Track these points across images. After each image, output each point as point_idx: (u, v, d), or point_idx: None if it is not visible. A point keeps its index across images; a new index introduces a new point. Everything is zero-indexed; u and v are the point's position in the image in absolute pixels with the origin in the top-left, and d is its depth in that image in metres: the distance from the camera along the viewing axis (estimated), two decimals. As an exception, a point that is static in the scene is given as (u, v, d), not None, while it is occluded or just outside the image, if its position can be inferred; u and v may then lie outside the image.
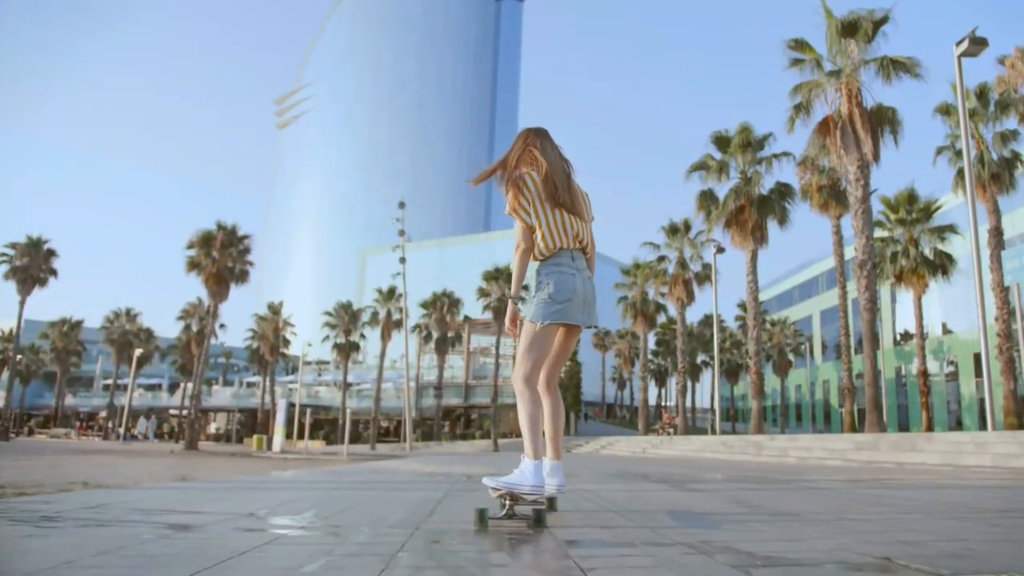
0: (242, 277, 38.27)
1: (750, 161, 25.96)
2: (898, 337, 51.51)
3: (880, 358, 50.37)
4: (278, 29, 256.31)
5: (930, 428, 30.11)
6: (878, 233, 31.35)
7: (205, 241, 37.47)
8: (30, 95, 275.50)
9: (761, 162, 26.04)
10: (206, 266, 37.23)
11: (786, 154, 25.94)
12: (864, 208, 17.96)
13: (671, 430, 33.13)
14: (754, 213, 24.75)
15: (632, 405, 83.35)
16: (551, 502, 3.34)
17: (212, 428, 70.41)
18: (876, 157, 17.94)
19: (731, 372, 70.24)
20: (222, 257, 37.67)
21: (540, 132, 3.26)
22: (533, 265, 3.14)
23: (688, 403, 74.42)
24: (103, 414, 65.15)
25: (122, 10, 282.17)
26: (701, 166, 26.75)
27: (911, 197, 29.56)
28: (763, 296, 71.34)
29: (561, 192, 3.08)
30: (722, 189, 26.67)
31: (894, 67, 18.01)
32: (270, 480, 6.89)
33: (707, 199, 26.51)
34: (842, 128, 18.17)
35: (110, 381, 63.65)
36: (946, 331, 46.58)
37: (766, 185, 25.83)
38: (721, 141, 26.42)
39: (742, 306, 62.96)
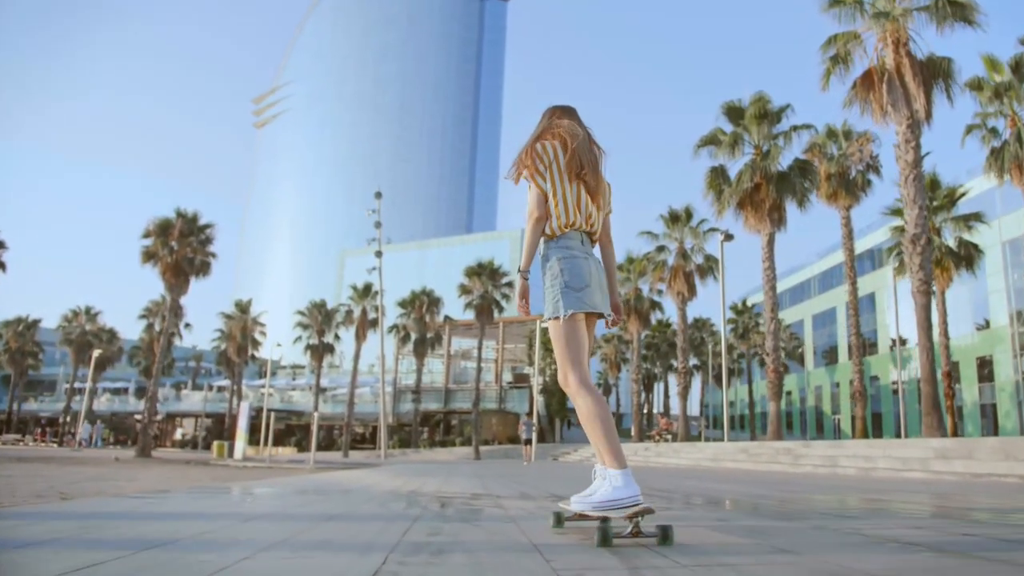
0: (203, 269, 35.16)
1: (766, 135, 23.22)
2: (890, 342, 49.41)
3: (875, 364, 48.45)
4: (256, 27, 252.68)
5: (955, 435, 27.61)
6: (894, 223, 28.95)
7: (162, 230, 34.36)
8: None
9: (778, 137, 23.32)
10: (163, 257, 34.12)
11: (807, 126, 23.21)
12: (916, 174, 15.33)
13: (668, 436, 30.42)
14: (772, 191, 22.00)
15: (619, 412, 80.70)
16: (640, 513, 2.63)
17: (179, 434, 67.02)
18: (928, 115, 15.36)
19: (722, 377, 67.76)
20: (181, 247, 34.57)
21: (567, 109, 3.07)
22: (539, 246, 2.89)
23: (677, 407, 71.94)
24: (72, 418, 61.65)
25: (94, 5, 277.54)
26: (711, 140, 23.92)
27: (933, 182, 27.07)
28: (752, 299, 69.35)
29: (587, 170, 2.87)
30: (734, 167, 23.96)
31: (951, 9, 15.39)
32: (106, 509, 4.01)
33: (717, 176, 23.63)
34: (888, 81, 15.55)
35: (76, 385, 60.05)
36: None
37: (784, 161, 23.10)
38: (733, 112, 23.60)
39: (735, 308, 60.53)
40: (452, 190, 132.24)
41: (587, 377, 2.77)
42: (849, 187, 28.71)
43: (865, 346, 53.60)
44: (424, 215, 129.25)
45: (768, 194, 22.02)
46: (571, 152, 2.87)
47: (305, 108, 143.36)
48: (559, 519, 3.07)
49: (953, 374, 45.30)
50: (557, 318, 2.77)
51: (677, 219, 31.51)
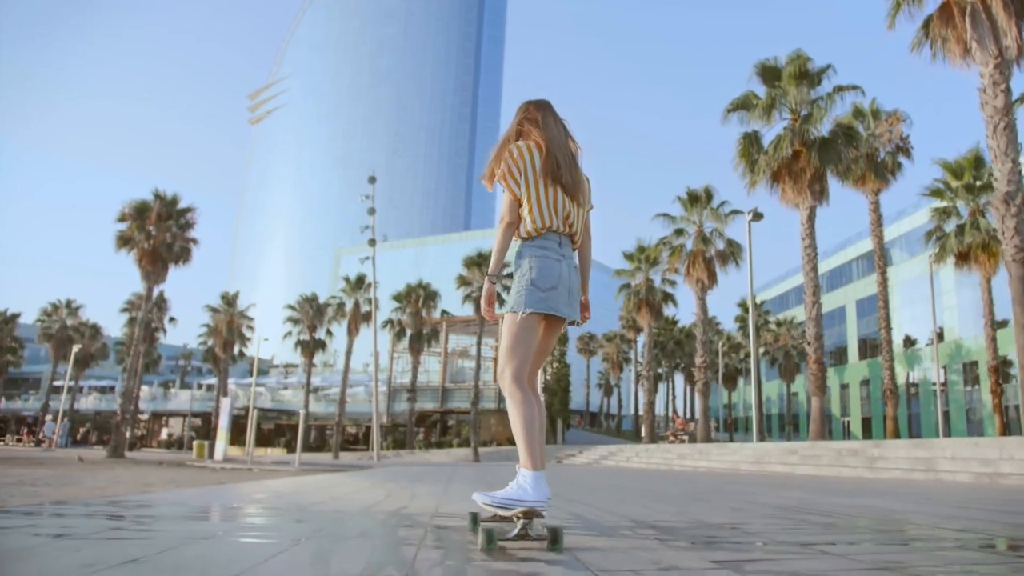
0: (183, 256, 32.64)
1: (804, 98, 20.70)
2: (902, 341, 47.48)
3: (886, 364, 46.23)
4: (251, 23, 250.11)
5: (1004, 435, 25.23)
6: (935, 204, 26.61)
7: (139, 213, 31.87)
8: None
9: (817, 101, 20.78)
10: (139, 242, 31.62)
11: (852, 87, 20.67)
12: (1007, 122, 12.92)
13: (685, 437, 28.01)
14: (814, 159, 19.45)
15: (620, 413, 78.40)
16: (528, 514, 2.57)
17: (165, 434, 64.45)
18: (1021, 51, 13.01)
19: (728, 378, 65.25)
20: (159, 232, 32.07)
21: (541, 104, 2.92)
22: (514, 245, 2.86)
23: (684, 406, 69.48)
24: (49, 418, 59.22)
25: (87, 5, 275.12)
26: (742, 104, 21.34)
27: (978, 160, 24.70)
28: (762, 296, 67.18)
29: (564, 171, 2.76)
30: (767, 135, 21.42)
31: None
32: None
33: (750, 144, 21.04)
34: (972, 14, 13.19)
35: (59, 383, 57.59)
36: (939, 338, 43.52)
37: (825, 127, 20.50)
38: (768, 72, 20.98)
39: (742, 305, 58.08)
40: (450, 187, 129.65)
41: (522, 376, 2.69)
42: (878, 170, 26.37)
43: (872, 346, 51.58)
44: (421, 213, 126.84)
45: (809, 162, 19.49)
46: (545, 153, 2.76)
47: (301, 104, 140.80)
48: (474, 519, 2.92)
49: (970, 373, 43.41)
50: (515, 312, 2.70)
51: (696, 200, 28.94)
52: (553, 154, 2.75)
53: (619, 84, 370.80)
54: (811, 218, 20.01)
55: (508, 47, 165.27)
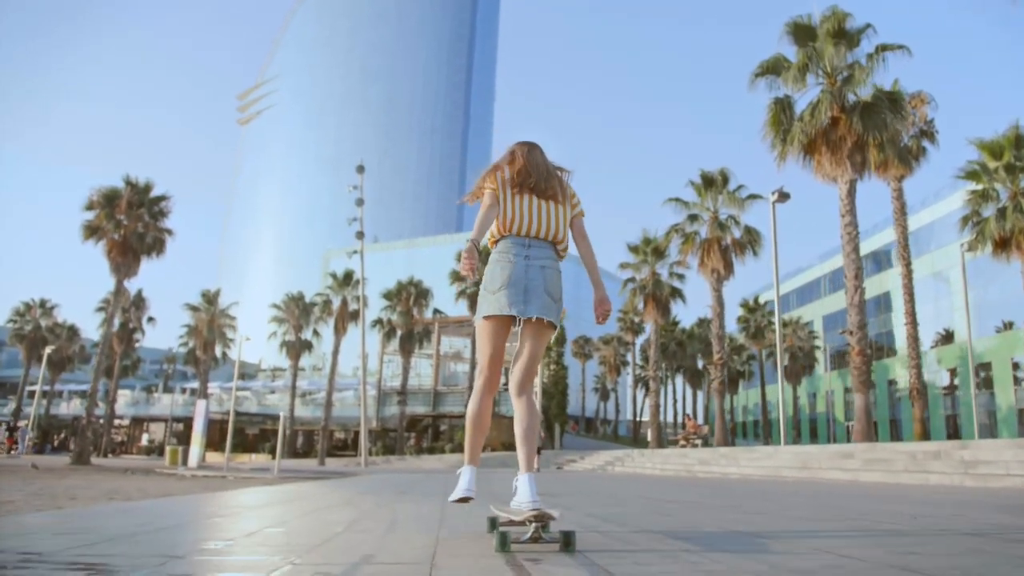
0: (156, 247, 30.33)
1: (842, 61, 18.50)
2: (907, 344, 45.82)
3: (891, 367, 44.46)
4: (240, 22, 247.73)
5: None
6: (971, 186, 24.61)
7: (108, 200, 29.59)
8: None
9: (854, 64, 18.58)
10: (108, 231, 29.32)
11: (899, 46, 18.44)
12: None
13: (698, 441, 25.87)
14: (856, 125, 17.27)
15: (617, 418, 76.30)
16: (540, 517, 2.56)
17: (145, 440, 61.98)
18: None
19: (731, 381, 63.18)
20: (130, 221, 29.80)
21: (528, 142, 3.11)
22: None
23: (685, 409, 67.31)
24: (23, 423, 56.71)
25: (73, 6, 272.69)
26: (771, 68, 19.06)
27: (1019, 139, 22.71)
28: (765, 296, 65.17)
29: (536, 178, 2.92)
30: (801, 101, 19.18)
31: None
32: None
33: (782, 110, 18.77)
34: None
35: (35, 387, 55.10)
36: (947, 340, 41.91)
37: (866, 91, 18.29)
38: (801, 31, 18.62)
39: (746, 306, 55.98)
40: (441, 188, 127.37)
41: (480, 385, 2.85)
42: (902, 155, 24.36)
43: (877, 348, 49.69)
44: (412, 215, 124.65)
45: (850, 129, 17.33)
46: (513, 168, 2.94)
47: (291, 104, 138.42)
48: (496, 527, 2.95)
49: (980, 376, 41.60)
50: (478, 321, 2.84)
51: (711, 184, 26.71)
52: (524, 168, 2.93)
53: (619, 87, 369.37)
54: (851, 192, 17.85)
55: (501, 48, 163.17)
